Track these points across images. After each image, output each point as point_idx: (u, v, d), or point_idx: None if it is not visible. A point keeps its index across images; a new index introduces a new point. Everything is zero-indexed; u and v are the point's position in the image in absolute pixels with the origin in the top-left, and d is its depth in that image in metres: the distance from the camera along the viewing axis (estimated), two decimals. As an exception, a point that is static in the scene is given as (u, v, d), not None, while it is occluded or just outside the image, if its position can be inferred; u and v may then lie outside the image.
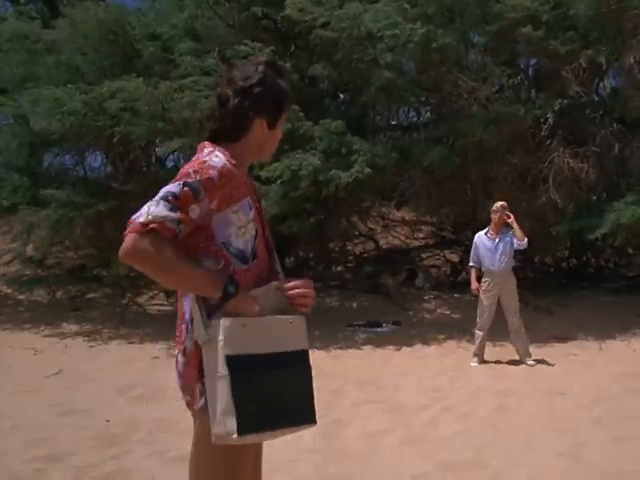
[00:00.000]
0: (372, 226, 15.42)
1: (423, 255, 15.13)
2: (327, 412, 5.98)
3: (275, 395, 2.17)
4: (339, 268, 14.33)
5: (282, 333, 2.24)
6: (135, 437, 5.48)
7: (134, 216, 2.15)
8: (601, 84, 12.63)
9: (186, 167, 2.24)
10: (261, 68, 2.35)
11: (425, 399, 6.72)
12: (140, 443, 5.34)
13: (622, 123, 11.74)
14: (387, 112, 14.09)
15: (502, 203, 8.23)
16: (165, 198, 2.14)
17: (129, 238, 2.15)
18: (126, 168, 13.47)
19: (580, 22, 10.23)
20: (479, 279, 8.30)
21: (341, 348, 9.40)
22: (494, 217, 8.23)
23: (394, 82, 10.35)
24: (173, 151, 12.20)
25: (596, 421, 5.86)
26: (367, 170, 9.52)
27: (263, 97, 2.33)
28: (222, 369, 2.10)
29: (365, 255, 14.92)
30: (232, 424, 2.08)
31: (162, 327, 9.83)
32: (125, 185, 11.82)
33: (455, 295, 12.39)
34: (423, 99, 12.48)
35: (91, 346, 9.69)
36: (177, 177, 2.22)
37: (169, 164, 14.85)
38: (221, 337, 2.12)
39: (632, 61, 10.05)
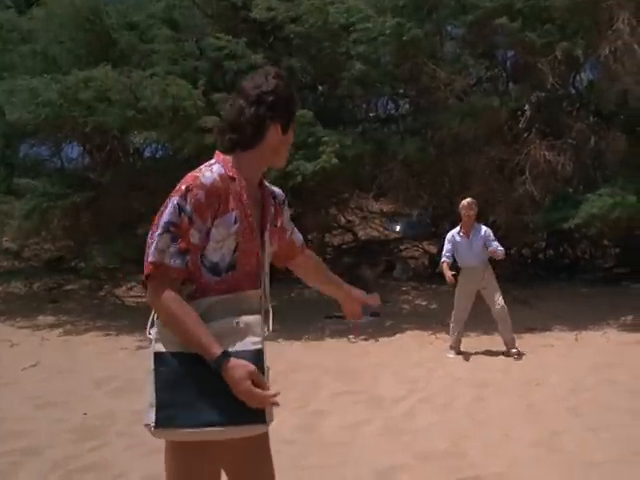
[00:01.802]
0: (351, 218, 15.48)
1: (401, 246, 15.20)
2: (305, 403, 6.00)
3: (206, 393, 2.18)
4: (317, 260, 14.32)
5: (223, 334, 2.23)
6: (113, 429, 5.47)
7: (148, 252, 2.27)
8: (577, 77, 12.71)
9: (185, 179, 2.31)
10: (271, 77, 2.43)
11: (403, 390, 6.74)
12: (118, 435, 5.33)
13: (598, 116, 11.82)
14: (365, 104, 14.10)
15: (470, 200, 8.13)
16: (167, 230, 2.23)
17: (149, 286, 2.30)
18: (103, 159, 13.39)
19: (557, 14, 10.28)
20: (451, 269, 8.27)
21: (319, 339, 9.41)
22: (464, 215, 8.12)
23: (368, 74, 10.35)
24: (150, 143, 12.14)
25: (572, 411, 5.92)
26: (334, 161, 9.49)
27: (277, 103, 2.41)
28: (150, 364, 2.22)
29: (344, 247, 14.97)
30: (152, 417, 2.17)
31: (139, 319, 9.72)
32: (102, 176, 11.76)
33: (433, 286, 12.45)
34: (400, 91, 12.50)
35: (68, 338, 9.64)
36: (175, 190, 2.29)
37: (146, 154, 14.79)
38: (154, 335, 2.28)
39: (607, 52, 10.10)
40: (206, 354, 2.17)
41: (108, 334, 9.83)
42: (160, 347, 2.23)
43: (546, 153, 10.56)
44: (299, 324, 9.52)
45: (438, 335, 9.43)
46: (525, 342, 8.83)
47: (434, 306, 11.31)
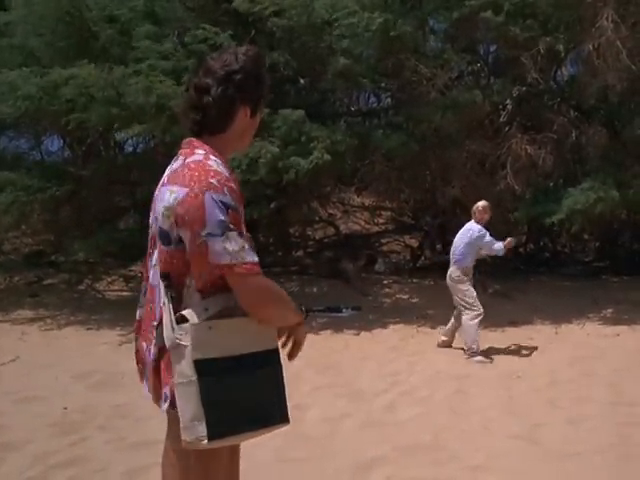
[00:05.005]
0: (332, 211, 15.48)
1: (383, 240, 15.23)
2: (287, 397, 5.99)
3: (245, 397, 2.17)
4: (299, 253, 14.34)
5: (250, 333, 2.22)
6: (93, 424, 5.45)
7: (217, 257, 2.14)
8: (559, 71, 12.76)
9: (200, 171, 2.18)
10: (241, 55, 2.31)
11: (384, 383, 6.77)
12: (98, 430, 5.31)
13: (579, 110, 11.89)
14: (347, 98, 14.09)
15: (485, 203, 8.00)
16: (230, 229, 2.14)
17: (247, 290, 2.20)
18: (84, 152, 13.31)
19: (540, 9, 10.31)
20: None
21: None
22: (478, 218, 7.94)
23: (351, 68, 10.33)
24: (132, 136, 12.06)
25: (551, 404, 5.97)
26: (326, 157, 9.49)
27: (246, 84, 2.29)
28: (191, 374, 2.10)
29: (325, 240, 14.96)
30: (202, 430, 2.09)
31: (120, 313, 9.74)
32: (83, 170, 11.68)
33: (414, 280, 12.50)
34: (382, 85, 12.50)
35: (48, 332, 9.58)
36: (202, 185, 2.15)
37: (128, 149, 14.74)
38: (189, 342, 2.12)
39: (591, 48, 10.15)
40: (296, 316, 2.39)
41: (89, 328, 9.78)
42: (199, 354, 2.11)
43: (527, 147, 10.60)
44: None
45: (419, 329, 9.47)
46: (507, 335, 8.89)
47: (415, 300, 11.34)
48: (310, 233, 15.01)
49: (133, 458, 4.57)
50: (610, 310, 10.15)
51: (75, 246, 11.06)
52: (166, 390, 2.23)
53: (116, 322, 9.55)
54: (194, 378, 2.09)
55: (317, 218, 14.58)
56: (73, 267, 12.00)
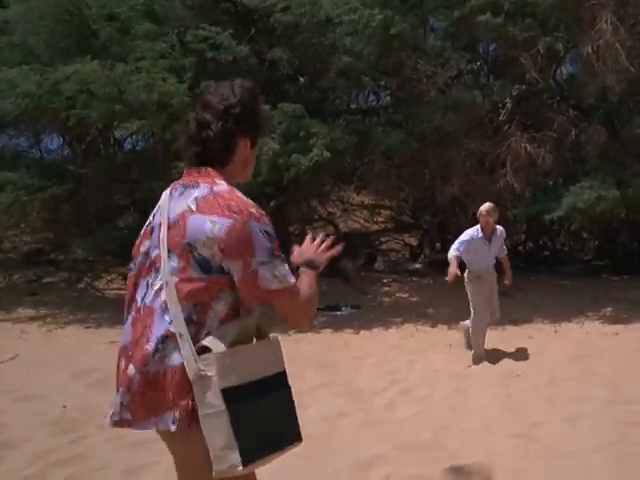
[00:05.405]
0: (332, 210, 15.49)
1: (382, 239, 15.23)
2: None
3: (268, 419, 2.23)
4: (298, 252, 14.32)
5: (264, 357, 2.30)
6: (93, 422, 5.43)
7: (268, 284, 2.25)
8: (558, 70, 12.77)
9: (238, 202, 2.24)
10: (237, 88, 2.35)
11: (383, 382, 6.77)
12: (98, 428, 5.28)
13: (578, 109, 11.90)
14: (347, 96, 14.10)
15: (489, 206, 7.46)
16: (275, 256, 2.27)
17: (298, 306, 2.38)
18: (83, 151, 13.30)
19: (539, 9, 10.32)
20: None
21: (300, 332, 9.39)
22: (483, 222, 7.43)
23: (353, 66, 10.33)
24: (132, 134, 12.06)
25: (550, 402, 5.96)
26: (326, 154, 9.49)
27: (244, 116, 2.34)
28: (219, 404, 2.11)
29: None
30: (236, 457, 2.12)
31: (120, 311, 9.63)
32: (82, 168, 11.68)
33: (414, 279, 12.49)
34: (382, 83, 12.50)
35: (48, 331, 9.58)
36: (231, 211, 2.20)
37: (127, 146, 14.75)
38: (214, 372, 2.13)
39: (590, 51, 10.15)
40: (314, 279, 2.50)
41: (88, 326, 9.77)
42: (226, 382, 2.13)
43: (527, 146, 10.61)
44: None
45: (419, 327, 9.47)
46: (506, 334, 8.89)
47: (415, 299, 11.34)
48: (310, 231, 15.01)
49: (133, 456, 4.57)
50: (609, 309, 10.14)
51: (74, 244, 11.08)
52: (174, 413, 2.19)
53: (115, 320, 9.52)
54: (223, 408, 2.11)
55: (316, 216, 14.59)
56: (72, 265, 12.00)
